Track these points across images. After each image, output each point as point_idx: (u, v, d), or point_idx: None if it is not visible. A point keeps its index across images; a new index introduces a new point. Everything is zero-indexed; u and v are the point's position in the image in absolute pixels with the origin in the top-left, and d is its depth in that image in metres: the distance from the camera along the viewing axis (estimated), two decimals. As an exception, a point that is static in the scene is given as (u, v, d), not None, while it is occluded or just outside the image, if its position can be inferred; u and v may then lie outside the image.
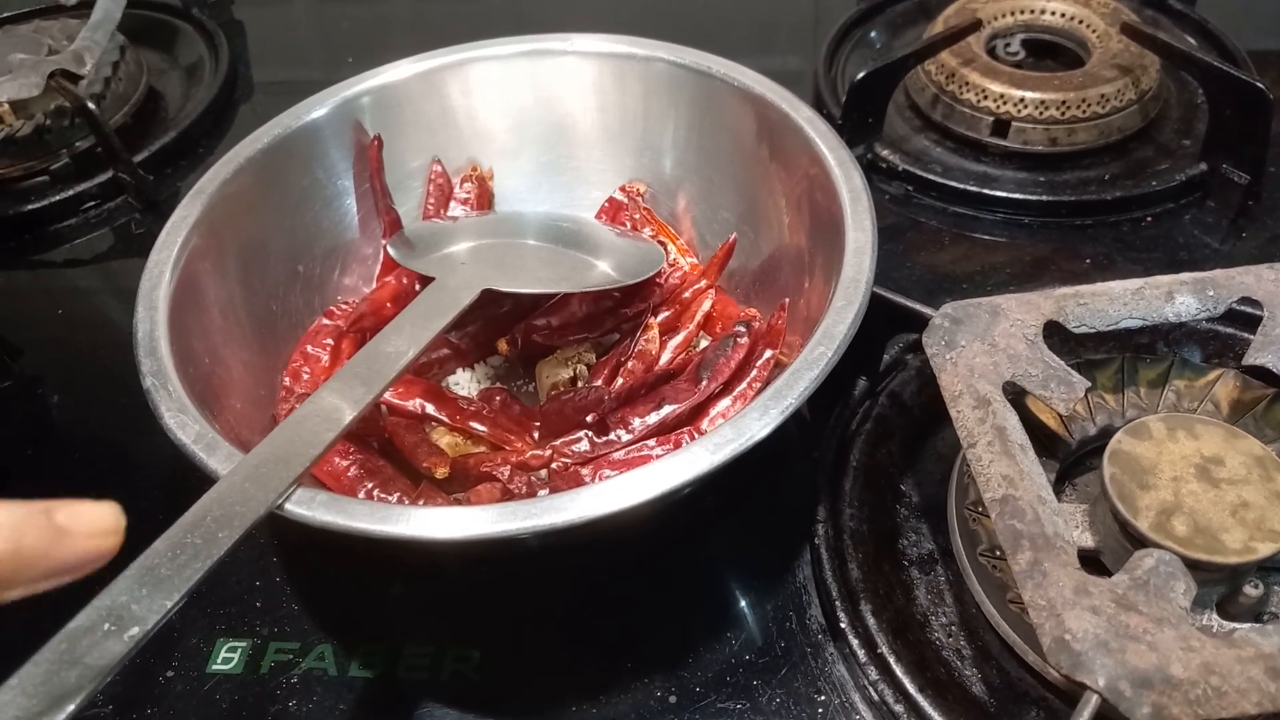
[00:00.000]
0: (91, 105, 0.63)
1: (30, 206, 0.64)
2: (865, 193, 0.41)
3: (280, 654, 0.41)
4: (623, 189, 0.54)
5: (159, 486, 0.48)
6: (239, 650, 0.41)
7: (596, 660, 0.40)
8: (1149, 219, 0.58)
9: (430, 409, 0.45)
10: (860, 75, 0.58)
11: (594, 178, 0.54)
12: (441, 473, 0.42)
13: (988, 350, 0.40)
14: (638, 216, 0.52)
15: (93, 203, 0.65)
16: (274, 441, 0.34)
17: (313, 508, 0.33)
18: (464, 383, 0.49)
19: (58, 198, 0.64)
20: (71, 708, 0.26)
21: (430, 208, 0.53)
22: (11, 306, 0.60)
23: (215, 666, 0.41)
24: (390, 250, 0.49)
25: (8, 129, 0.64)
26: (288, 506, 0.33)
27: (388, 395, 0.45)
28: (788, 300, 0.45)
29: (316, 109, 0.49)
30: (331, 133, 0.50)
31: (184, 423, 0.36)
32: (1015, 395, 0.39)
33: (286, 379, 0.47)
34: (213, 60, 0.76)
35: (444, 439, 0.45)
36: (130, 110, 0.70)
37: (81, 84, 0.64)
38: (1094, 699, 0.31)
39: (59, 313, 0.59)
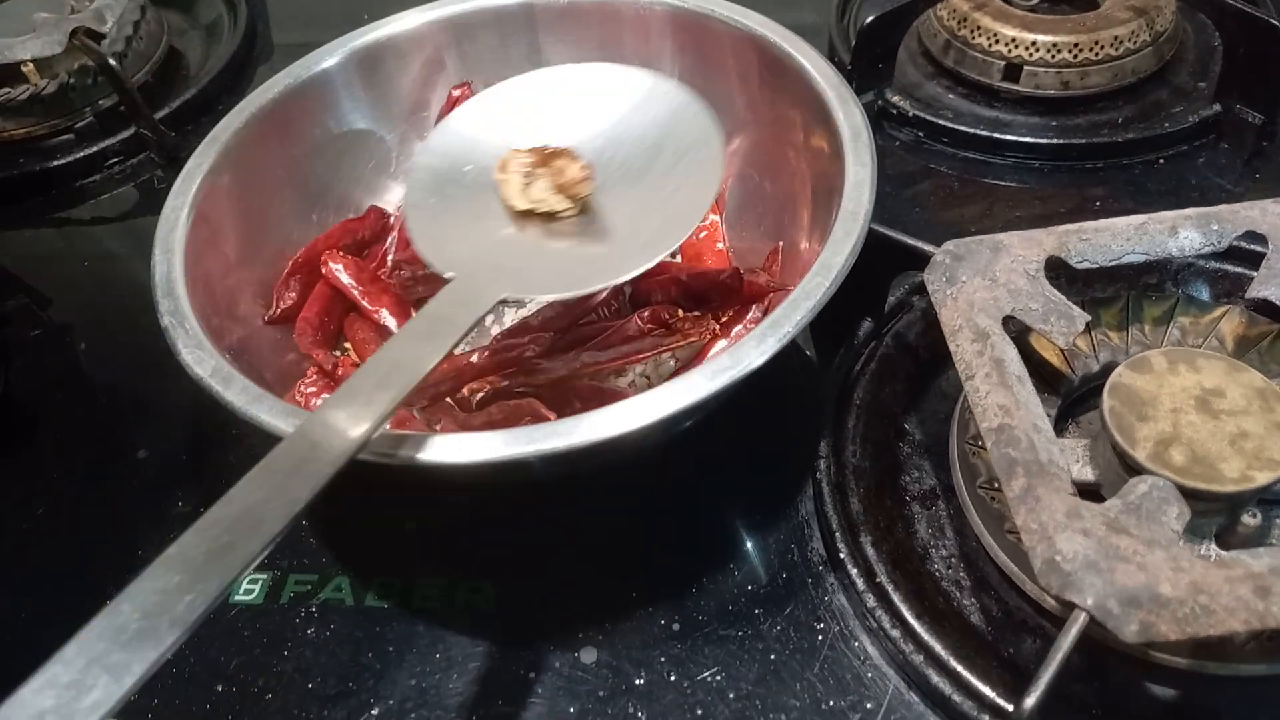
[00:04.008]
0: (114, 63, 0.64)
1: (56, 163, 0.65)
2: (865, 128, 0.41)
3: (299, 585, 0.43)
4: None
5: (181, 428, 0.49)
6: (260, 582, 0.43)
7: (603, 592, 0.41)
8: (1161, 161, 0.57)
9: (392, 325, 0.47)
10: (869, 19, 0.58)
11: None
12: None
13: (988, 285, 0.40)
14: None
15: (116, 159, 0.66)
16: (272, 469, 0.30)
17: (323, 436, 0.34)
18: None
19: (82, 154, 0.65)
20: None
21: None
22: (40, 259, 0.61)
23: (237, 597, 0.42)
24: (409, 224, 0.43)
25: (33, 87, 0.66)
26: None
27: (355, 293, 0.47)
28: (781, 245, 0.45)
29: (327, 59, 0.50)
30: (343, 82, 0.51)
31: (201, 358, 0.37)
32: (1019, 333, 0.40)
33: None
34: (231, 19, 0.77)
35: None
36: (151, 69, 0.71)
37: (104, 42, 0.66)
38: (1082, 617, 0.31)
39: (85, 265, 0.60)
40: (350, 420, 0.32)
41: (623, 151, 0.44)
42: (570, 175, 0.42)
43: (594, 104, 0.45)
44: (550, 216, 0.43)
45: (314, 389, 0.44)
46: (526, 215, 0.43)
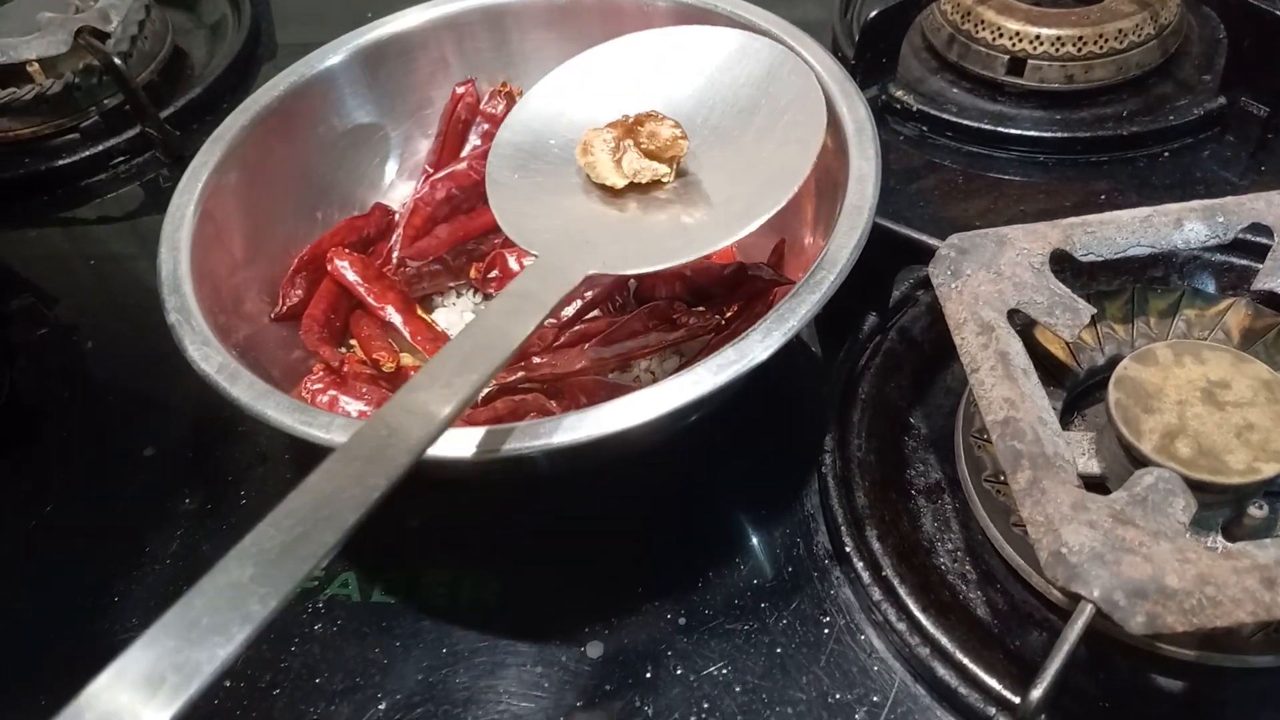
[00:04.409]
0: (119, 62, 0.64)
1: (62, 162, 0.65)
2: (869, 123, 0.41)
3: (306, 581, 0.42)
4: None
5: (187, 426, 0.50)
6: (266, 578, 0.43)
7: (609, 586, 0.41)
8: (1166, 154, 0.57)
9: (398, 322, 0.47)
10: (873, 14, 0.58)
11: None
12: (389, 366, 0.44)
13: (993, 279, 0.40)
14: None
15: (122, 158, 0.67)
16: (348, 456, 0.29)
17: (331, 430, 0.34)
18: (458, 305, 0.51)
19: (88, 153, 0.66)
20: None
21: (455, 126, 0.54)
22: (46, 259, 0.62)
23: (243, 593, 0.42)
24: (491, 200, 0.42)
25: (38, 87, 0.66)
26: (303, 429, 0.34)
27: (361, 289, 0.47)
28: (784, 239, 0.45)
29: (331, 57, 0.50)
30: (346, 81, 0.51)
31: (207, 354, 0.38)
32: (1024, 326, 0.40)
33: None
34: (235, 18, 0.77)
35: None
36: (156, 68, 0.71)
37: (109, 42, 0.66)
38: (1088, 609, 0.31)
39: (91, 264, 0.61)
40: (430, 405, 0.30)
41: (714, 115, 0.43)
42: (663, 137, 0.40)
43: (679, 68, 0.44)
44: (652, 186, 0.41)
45: (320, 385, 0.44)
46: (624, 191, 0.41)
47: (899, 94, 0.61)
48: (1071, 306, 0.39)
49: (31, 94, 0.66)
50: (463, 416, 0.43)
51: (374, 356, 0.45)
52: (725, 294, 0.46)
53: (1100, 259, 0.41)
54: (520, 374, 0.44)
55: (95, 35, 0.65)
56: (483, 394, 0.44)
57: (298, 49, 0.52)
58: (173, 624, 0.24)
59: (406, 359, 0.47)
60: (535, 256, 0.38)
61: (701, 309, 0.45)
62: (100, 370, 0.54)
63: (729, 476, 0.45)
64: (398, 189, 0.54)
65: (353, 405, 0.43)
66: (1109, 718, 0.36)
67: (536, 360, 0.44)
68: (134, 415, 0.51)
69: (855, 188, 0.39)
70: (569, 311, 0.46)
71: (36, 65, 0.66)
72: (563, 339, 0.45)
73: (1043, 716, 0.32)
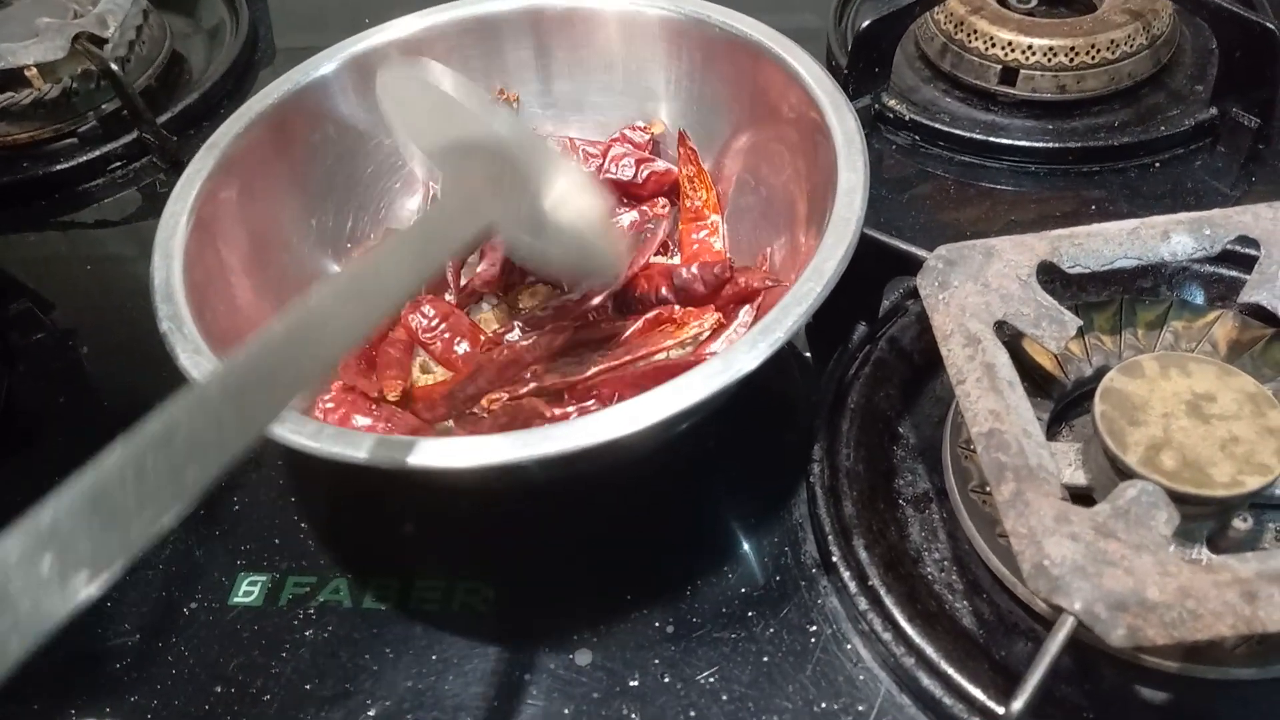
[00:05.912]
0: (116, 68, 0.64)
1: (59, 167, 0.65)
2: (858, 135, 0.41)
3: (298, 587, 0.43)
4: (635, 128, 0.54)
5: (182, 431, 0.50)
6: (259, 584, 0.43)
7: (598, 594, 0.42)
8: (1158, 165, 0.57)
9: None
10: (866, 23, 0.58)
11: (596, 131, 0.55)
12: (393, 395, 0.44)
13: (980, 290, 0.40)
14: (682, 151, 0.53)
15: (119, 163, 0.67)
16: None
17: (320, 439, 0.34)
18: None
19: (85, 158, 0.66)
20: None
21: None
22: (43, 263, 0.62)
23: (236, 599, 0.43)
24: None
25: (36, 92, 0.66)
26: (294, 438, 0.34)
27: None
28: (770, 250, 0.45)
29: (325, 64, 0.50)
30: (340, 88, 0.51)
31: (199, 362, 0.38)
32: (1012, 338, 0.40)
33: None
34: (233, 23, 0.77)
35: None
36: (154, 73, 0.72)
37: (106, 47, 0.66)
38: (1070, 621, 0.31)
39: (88, 268, 0.61)
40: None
41: None
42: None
43: None
44: None
45: (333, 405, 0.44)
46: None
47: (892, 103, 0.61)
48: (1058, 318, 0.39)
49: (29, 99, 0.66)
50: (466, 428, 0.43)
51: (383, 384, 0.45)
52: (712, 290, 0.46)
53: (1088, 271, 0.41)
54: (532, 385, 0.44)
55: (93, 41, 0.66)
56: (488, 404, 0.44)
57: (296, 54, 0.52)
58: None
59: (426, 379, 0.47)
60: None
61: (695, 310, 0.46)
62: (97, 374, 0.55)
63: (717, 485, 0.45)
64: (392, 196, 0.54)
65: (361, 420, 0.43)
66: (1093, 728, 0.36)
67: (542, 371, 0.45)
68: (131, 420, 0.51)
69: (844, 199, 0.39)
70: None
71: (34, 70, 0.66)
72: (559, 343, 0.46)
73: (1025, 727, 0.32)
